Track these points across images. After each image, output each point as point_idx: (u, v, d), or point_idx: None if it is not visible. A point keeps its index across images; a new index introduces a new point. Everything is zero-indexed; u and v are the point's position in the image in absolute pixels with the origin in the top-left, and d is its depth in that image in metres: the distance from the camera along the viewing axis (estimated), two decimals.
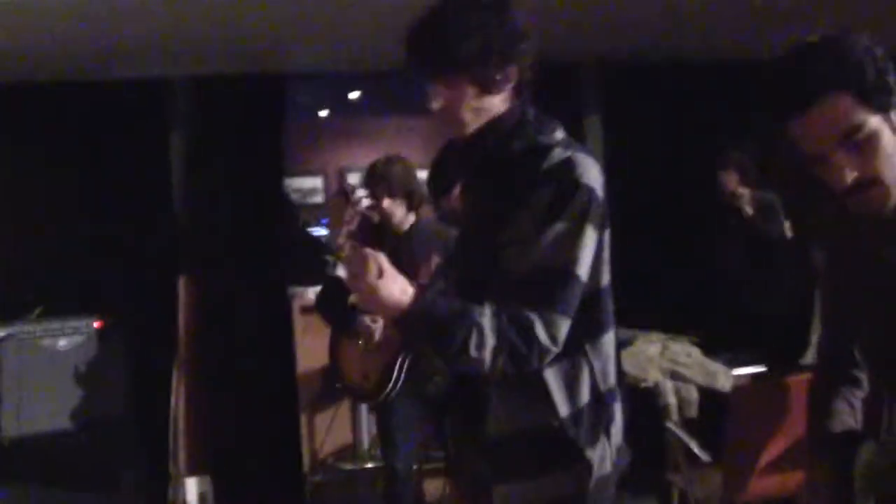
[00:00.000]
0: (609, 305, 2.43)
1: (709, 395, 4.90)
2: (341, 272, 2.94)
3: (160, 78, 6.48)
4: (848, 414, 2.19)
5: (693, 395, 4.88)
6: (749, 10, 5.87)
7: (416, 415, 4.66)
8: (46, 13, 4.81)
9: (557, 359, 2.31)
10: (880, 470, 1.88)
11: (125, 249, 6.31)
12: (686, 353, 5.14)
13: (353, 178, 10.37)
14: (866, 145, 1.86)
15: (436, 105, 2.38)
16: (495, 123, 2.40)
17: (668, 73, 7.19)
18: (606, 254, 2.40)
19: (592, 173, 2.33)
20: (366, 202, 4.02)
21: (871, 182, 1.88)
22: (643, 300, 7.10)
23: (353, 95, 9.19)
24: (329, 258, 3.90)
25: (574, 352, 2.35)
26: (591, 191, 2.30)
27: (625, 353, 5.13)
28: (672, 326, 5.61)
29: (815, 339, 5.01)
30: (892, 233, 1.95)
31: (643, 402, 4.99)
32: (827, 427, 2.18)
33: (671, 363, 5.02)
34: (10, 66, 5.88)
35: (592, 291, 2.36)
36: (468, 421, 2.49)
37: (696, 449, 4.37)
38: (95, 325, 6.01)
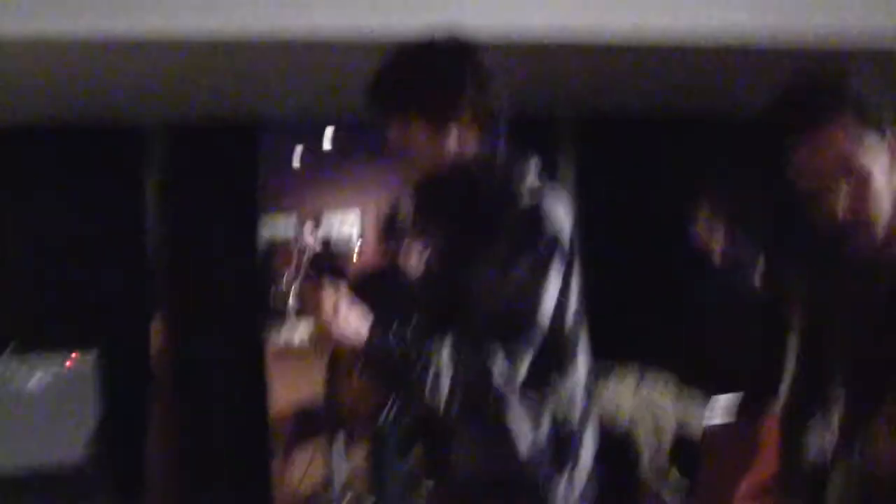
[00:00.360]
0: (574, 347, 2.39)
1: (681, 440, 4.94)
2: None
3: (136, 124, 6.50)
4: (817, 448, 2.20)
5: (666, 437, 4.92)
6: (725, 67, 5.94)
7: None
8: (15, 57, 4.82)
9: (519, 398, 2.31)
10: (854, 492, 1.90)
11: (101, 289, 6.31)
12: (659, 394, 5.18)
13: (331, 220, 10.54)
14: (864, 179, 1.88)
15: (405, 147, 2.37)
16: (466, 165, 2.38)
17: (642, 128, 7.27)
18: (573, 297, 2.36)
19: (562, 212, 2.31)
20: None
21: (862, 223, 1.90)
22: (618, 333, 7.16)
23: (328, 142, 9.27)
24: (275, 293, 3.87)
25: (536, 392, 2.34)
26: (560, 229, 2.28)
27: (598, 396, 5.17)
28: (647, 359, 5.64)
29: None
30: (882, 263, 1.97)
31: (615, 445, 5.02)
32: (798, 461, 2.19)
33: (644, 407, 5.06)
34: None
35: (556, 333, 2.34)
36: (434, 457, 2.50)
37: (668, 493, 4.40)
38: (67, 363, 5.95)
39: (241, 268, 6.66)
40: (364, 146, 8.43)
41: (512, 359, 2.24)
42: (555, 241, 2.27)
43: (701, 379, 6.09)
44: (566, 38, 5.08)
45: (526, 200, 2.30)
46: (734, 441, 4.25)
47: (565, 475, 2.36)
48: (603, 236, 7.27)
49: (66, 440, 5.84)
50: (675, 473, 4.55)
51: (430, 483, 2.59)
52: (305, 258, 3.88)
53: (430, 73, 2.34)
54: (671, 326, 7.27)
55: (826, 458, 2.17)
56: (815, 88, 1.92)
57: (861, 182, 1.88)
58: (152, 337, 6.39)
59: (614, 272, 7.10)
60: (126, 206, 6.52)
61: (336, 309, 2.18)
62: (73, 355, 5.96)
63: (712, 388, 5.68)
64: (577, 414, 2.38)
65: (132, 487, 6.20)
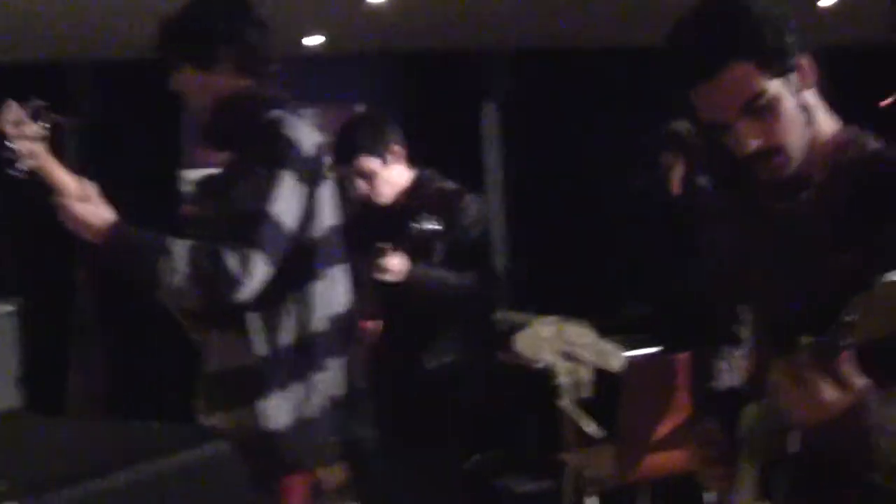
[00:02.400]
0: (323, 258, 2.63)
1: (602, 376, 4.97)
2: None
3: (60, 61, 6.37)
4: (728, 373, 2.22)
5: (586, 375, 4.94)
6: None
7: None
8: None
9: (262, 302, 2.51)
10: (763, 434, 1.91)
11: (23, 235, 6.21)
12: (580, 335, 5.19)
13: None
14: (768, 113, 1.86)
15: (180, 88, 2.71)
16: (222, 101, 2.66)
17: (571, 60, 7.27)
18: (323, 209, 2.62)
19: (300, 131, 2.58)
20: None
21: (774, 150, 1.89)
22: (542, 285, 7.21)
23: None
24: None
25: (279, 296, 2.55)
26: (290, 141, 2.54)
27: (519, 335, 5.18)
28: (570, 310, 5.68)
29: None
30: (788, 188, 1.96)
31: (537, 383, 5.05)
32: (710, 387, 2.20)
33: (565, 344, 5.08)
34: None
35: (303, 242, 2.57)
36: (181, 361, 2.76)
37: (589, 428, 4.43)
38: None
39: (163, 212, 6.58)
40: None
41: (242, 258, 2.42)
42: (290, 144, 2.53)
43: (627, 318, 6.17)
44: None
45: (272, 115, 2.58)
46: (655, 375, 4.28)
47: (302, 379, 2.58)
48: (530, 173, 7.32)
49: None
50: (596, 412, 4.59)
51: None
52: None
53: (198, 26, 2.67)
54: (599, 264, 7.40)
55: (737, 382, 2.20)
56: (705, 31, 1.88)
57: (763, 116, 1.87)
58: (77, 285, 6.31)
59: (541, 213, 7.14)
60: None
61: (86, 196, 2.41)
62: None
63: (638, 327, 5.76)
64: (321, 320, 2.61)
65: None
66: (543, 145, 7.34)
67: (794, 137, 1.89)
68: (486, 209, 3.79)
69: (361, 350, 2.87)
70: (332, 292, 2.67)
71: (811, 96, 1.92)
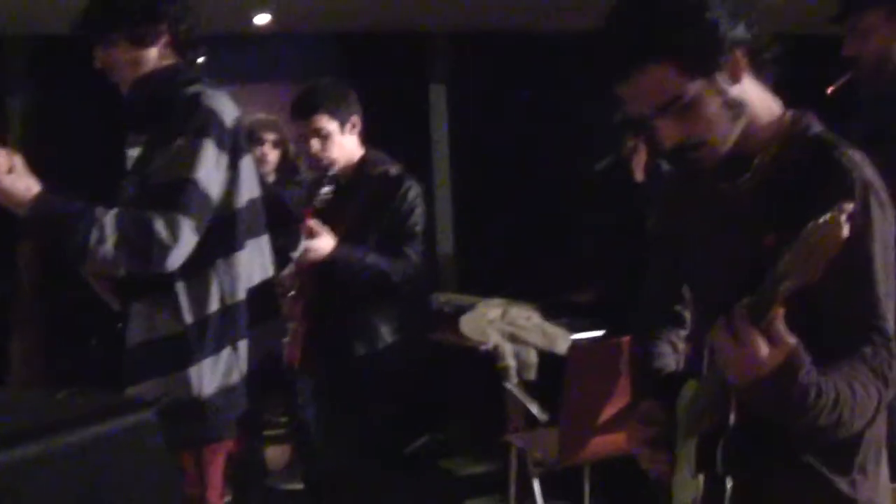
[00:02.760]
0: (246, 228, 2.70)
1: (548, 358, 4.98)
2: None
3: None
4: (670, 355, 2.23)
5: (532, 357, 4.95)
6: None
7: None
8: None
9: (188, 271, 2.57)
10: (700, 408, 1.92)
11: None
12: (525, 317, 5.21)
13: None
14: (688, 112, 1.85)
15: (107, 64, 2.77)
16: (146, 76, 2.74)
17: (514, 44, 7.26)
18: (244, 180, 2.69)
19: (221, 103, 2.65)
20: None
21: (696, 145, 1.89)
22: (488, 268, 7.22)
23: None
24: None
25: (204, 266, 2.61)
26: (212, 112, 2.61)
27: (465, 317, 5.19)
28: (515, 293, 5.69)
29: None
30: (727, 168, 1.97)
31: (482, 365, 5.05)
32: (650, 368, 2.21)
33: (511, 326, 5.09)
34: None
35: (226, 213, 2.64)
36: (112, 332, 2.73)
37: (534, 410, 4.44)
38: None
39: (106, 190, 6.52)
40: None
41: (170, 224, 2.47)
42: (211, 113, 2.60)
43: (572, 300, 6.19)
44: None
45: (193, 90, 2.66)
46: (599, 358, 4.30)
47: (227, 346, 2.65)
48: (476, 155, 7.32)
49: None
50: (542, 395, 4.60)
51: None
52: None
53: (139, 3, 2.73)
54: (544, 247, 7.41)
55: (678, 365, 2.21)
56: (622, 32, 1.86)
57: (683, 115, 1.86)
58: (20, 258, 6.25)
59: (487, 196, 7.15)
60: None
61: (11, 168, 2.43)
62: None
63: (583, 309, 5.77)
64: (243, 289, 2.67)
65: None
66: (490, 127, 7.34)
67: (718, 133, 1.89)
68: (421, 197, 3.78)
69: (282, 322, 3.00)
70: (255, 263, 2.74)
71: (744, 87, 1.90)
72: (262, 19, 6.50)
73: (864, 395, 1.75)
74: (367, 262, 3.59)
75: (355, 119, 3.78)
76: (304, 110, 3.75)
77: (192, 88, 2.67)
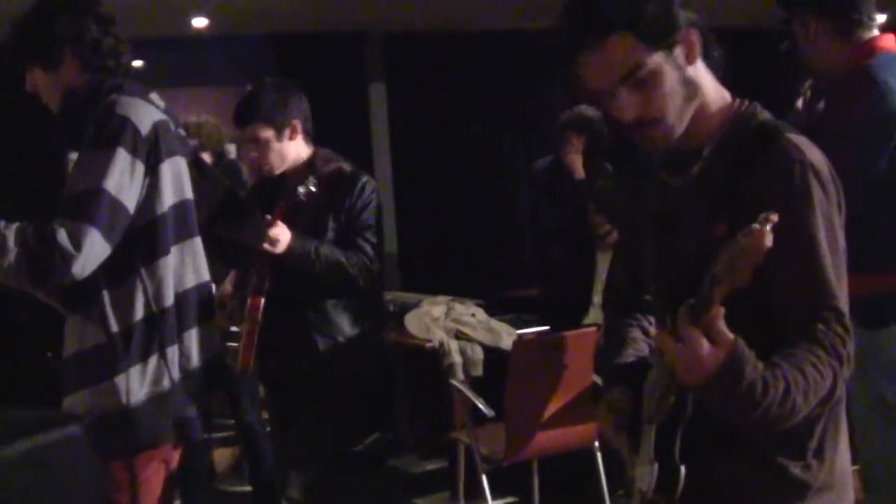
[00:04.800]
0: (171, 233, 2.69)
1: (493, 354, 5.01)
2: None
3: None
4: (642, 341, 2.24)
5: (478, 354, 4.98)
6: None
7: None
8: None
9: (112, 280, 2.59)
10: (656, 397, 1.94)
11: None
12: (470, 314, 5.24)
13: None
14: (647, 84, 1.88)
15: (33, 89, 2.82)
16: (69, 94, 2.76)
17: (453, 42, 7.29)
18: (166, 185, 2.67)
19: (136, 110, 2.64)
20: None
21: (653, 121, 1.91)
22: (431, 266, 7.25)
23: (137, 64, 8.98)
24: None
25: (127, 274, 2.61)
26: (124, 120, 2.60)
27: (410, 315, 5.20)
28: (459, 291, 5.72)
29: (596, 300, 5.20)
30: (674, 159, 2.01)
31: (428, 362, 5.07)
32: (620, 355, 2.22)
33: (455, 323, 5.12)
34: None
35: (148, 219, 2.63)
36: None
37: (480, 406, 4.45)
38: None
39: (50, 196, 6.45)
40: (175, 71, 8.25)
41: (73, 233, 2.46)
42: (124, 122, 2.60)
43: (515, 296, 6.22)
44: None
45: (110, 100, 2.65)
46: (543, 354, 4.34)
47: (155, 352, 2.63)
48: (416, 153, 7.33)
49: None
50: (488, 391, 4.62)
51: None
52: None
53: (40, 28, 2.77)
54: (486, 244, 7.45)
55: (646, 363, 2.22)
56: (588, 3, 1.91)
57: (642, 87, 1.89)
58: None
59: (428, 194, 7.16)
60: None
61: None
62: None
63: (525, 305, 5.81)
64: (170, 294, 2.66)
65: None
66: (430, 127, 7.36)
67: (674, 109, 1.91)
68: (377, 192, 3.79)
69: (218, 323, 2.95)
70: (185, 267, 2.73)
71: (697, 70, 1.95)
72: (199, 22, 6.46)
73: (816, 376, 1.76)
74: (321, 252, 3.59)
75: (295, 122, 3.76)
76: (240, 119, 3.77)
77: (109, 98, 2.67)
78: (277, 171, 3.77)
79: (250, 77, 7.55)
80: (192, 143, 5.04)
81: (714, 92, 1.99)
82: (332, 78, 7.18)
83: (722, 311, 1.69)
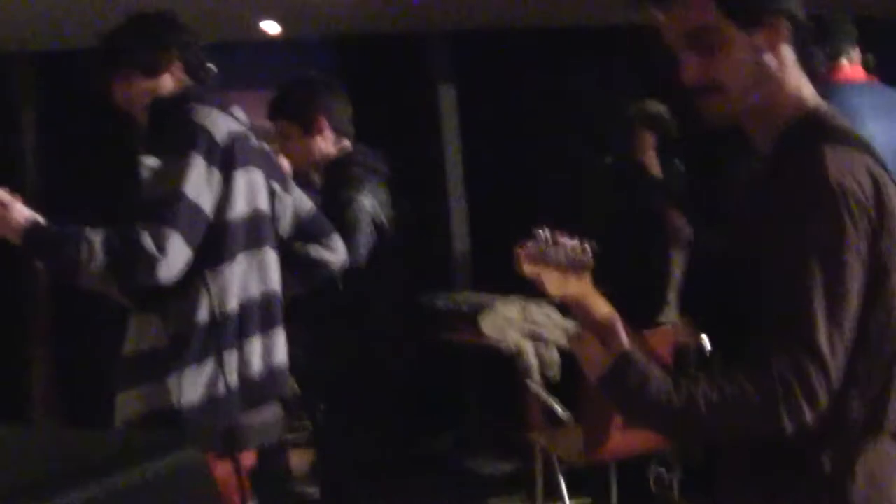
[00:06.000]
0: (238, 242, 2.74)
1: (569, 356, 4.97)
2: None
3: (10, 53, 6.30)
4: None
5: (553, 355, 4.95)
6: None
7: None
8: None
9: (177, 282, 2.60)
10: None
11: None
12: (545, 315, 5.20)
13: None
14: (714, 50, 1.86)
15: (123, 99, 2.92)
16: (157, 101, 2.85)
17: (518, 40, 7.24)
18: (238, 194, 2.74)
19: (212, 120, 2.73)
20: None
21: (713, 87, 1.88)
22: (503, 266, 7.21)
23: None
24: None
25: (191, 277, 2.64)
26: (201, 128, 2.68)
27: (485, 316, 5.18)
28: (532, 290, 5.67)
29: (671, 297, 5.14)
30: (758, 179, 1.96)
31: (504, 364, 5.05)
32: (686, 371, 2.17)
33: (531, 324, 5.09)
34: None
35: (218, 224, 2.69)
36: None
37: (556, 408, 4.43)
38: None
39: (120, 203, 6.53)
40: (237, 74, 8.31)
41: (158, 238, 2.52)
42: (200, 129, 2.68)
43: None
44: None
45: (180, 117, 2.74)
46: None
47: (213, 356, 2.66)
48: (487, 153, 7.30)
49: None
50: (564, 392, 4.60)
51: None
52: None
53: (144, 35, 2.88)
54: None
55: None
56: None
57: (708, 52, 1.87)
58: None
59: (499, 194, 7.13)
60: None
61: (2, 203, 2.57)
62: None
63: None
64: (234, 299, 2.70)
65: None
66: (501, 126, 7.33)
67: (738, 83, 1.88)
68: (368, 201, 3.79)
69: (285, 331, 2.94)
70: (250, 275, 2.76)
71: (780, 61, 1.90)
72: (268, 26, 6.49)
73: (737, 394, 1.71)
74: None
75: (321, 119, 3.81)
76: (269, 114, 3.87)
77: (188, 106, 2.75)
78: (303, 167, 3.81)
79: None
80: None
81: (794, 90, 1.92)
82: (401, 79, 7.18)
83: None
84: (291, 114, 3.80)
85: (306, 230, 3.13)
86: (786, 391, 1.69)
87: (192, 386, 2.64)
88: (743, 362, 1.74)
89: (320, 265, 3.19)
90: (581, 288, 1.88)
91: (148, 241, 2.51)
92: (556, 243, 1.92)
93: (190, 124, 2.70)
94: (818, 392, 1.70)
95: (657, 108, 5.48)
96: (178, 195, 2.58)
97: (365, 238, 3.70)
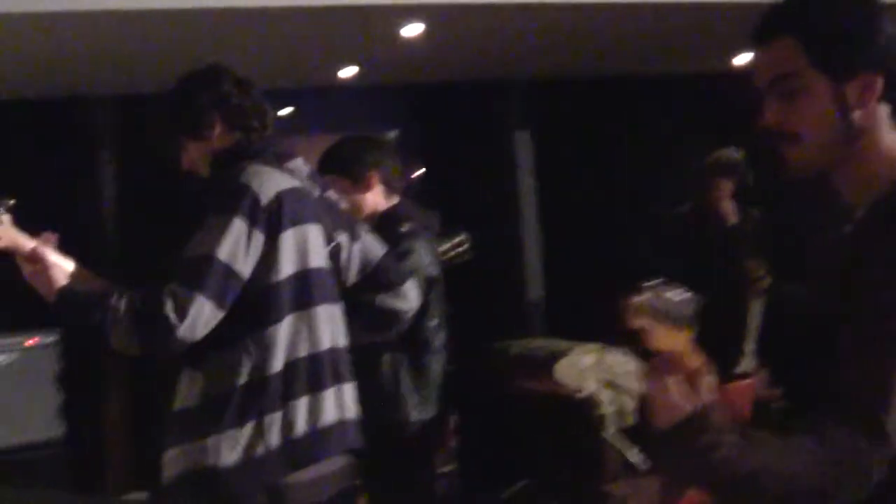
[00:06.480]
0: (283, 301, 2.69)
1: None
2: None
3: (87, 95, 6.41)
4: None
5: (629, 404, 4.90)
6: (671, 29, 5.91)
7: None
8: None
9: (219, 343, 2.61)
10: None
11: None
12: (622, 363, 5.16)
13: None
14: (796, 98, 1.81)
15: (188, 162, 2.95)
16: (215, 158, 2.87)
17: (593, 88, 7.25)
18: (290, 253, 2.70)
19: (258, 179, 2.71)
20: None
21: (790, 136, 1.82)
22: (578, 313, 7.17)
23: (285, 112, 9.15)
24: None
25: (235, 339, 2.63)
26: (245, 188, 2.67)
27: (560, 363, 5.14)
28: (607, 337, 5.63)
29: (748, 348, 5.08)
30: (835, 216, 1.92)
31: (580, 413, 5.00)
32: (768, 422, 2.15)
33: (607, 372, 5.05)
34: None
35: (260, 287, 2.66)
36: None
37: (633, 457, 4.38)
38: (28, 342, 5.86)
39: None
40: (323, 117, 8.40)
41: (180, 300, 2.52)
42: (245, 190, 2.66)
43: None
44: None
45: (226, 176, 2.76)
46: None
47: (252, 419, 2.62)
48: (563, 199, 7.28)
49: (34, 417, 5.76)
50: (640, 442, 4.55)
51: None
52: None
53: (184, 102, 2.91)
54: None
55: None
56: (782, 3, 1.86)
57: (791, 99, 1.81)
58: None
59: (574, 239, 7.10)
60: (83, 182, 6.45)
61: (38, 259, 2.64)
62: (34, 339, 5.87)
63: None
64: (278, 361, 2.66)
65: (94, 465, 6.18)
66: (576, 173, 7.32)
67: (817, 135, 1.81)
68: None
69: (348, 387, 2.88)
70: (297, 336, 2.72)
71: (872, 118, 1.81)
72: (346, 72, 6.56)
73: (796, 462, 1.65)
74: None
75: (372, 175, 3.81)
76: (319, 169, 3.85)
77: (238, 165, 2.77)
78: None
79: (395, 124, 7.66)
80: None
81: (890, 150, 1.84)
82: (476, 126, 7.21)
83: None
84: (342, 169, 3.80)
85: (376, 278, 3.08)
86: (844, 467, 1.64)
87: (230, 448, 2.61)
88: (810, 425, 1.69)
89: (389, 314, 3.14)
90: (683, 341, 1.82)
91: (168, 306, 2.52)
92: (663, 295, 1.85)
93: (235, 185, 2.70)
94: (872, 471, 1.64)
95: (734, 155, 5.44)
96: (209, 259, 2.58)
97: (419, 288, 3.73)
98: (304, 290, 2.75)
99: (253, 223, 2.64)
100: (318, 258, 2.81)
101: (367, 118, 7.21)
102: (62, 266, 2.66)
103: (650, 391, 1.70)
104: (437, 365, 3.82)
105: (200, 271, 2.57)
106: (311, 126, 8.61)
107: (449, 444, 3.82)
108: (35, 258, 2.64)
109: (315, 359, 2.75)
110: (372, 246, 3.11)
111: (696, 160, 5.82)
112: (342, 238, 2.96)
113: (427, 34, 5.64)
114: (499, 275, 7.13)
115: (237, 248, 2.61)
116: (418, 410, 3.72)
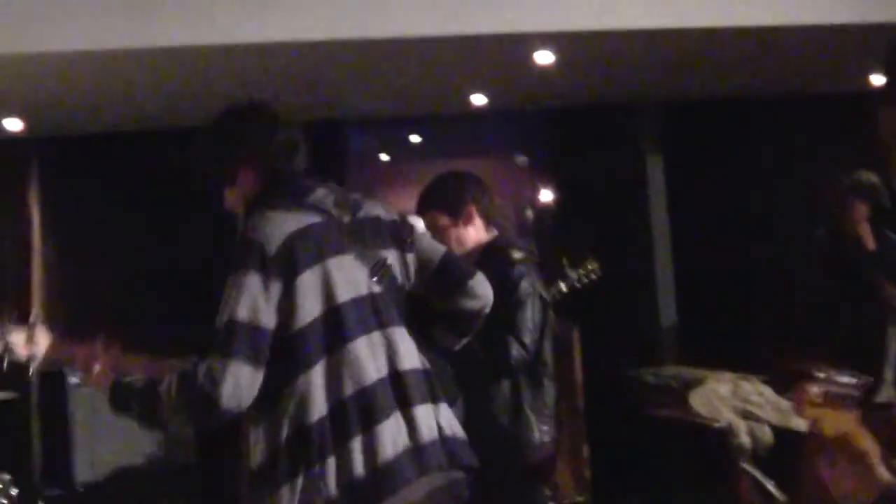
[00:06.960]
0: (311, 346, 2.64)
1: (782, 434, 4.83)
2: None
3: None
4: None
5: (767, 434, 4.81)
6: (804, 50, 5.83)
7: None
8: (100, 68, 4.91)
9: (259, 403, 2.58)
10: None
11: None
12: (758, 392, 5.07)
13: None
14: None
15: (229, 207, 2.97)
16: (246, 204, 2.88)
17: (725, 110, 7.16)
18: (305, 298, 2.64)
19: (267, 227, 2.69)
20: None
21: None
22: (711, 340, 7.07)
23: (413, 139, 9.23)
24: None
25: (268, 394, 2.59)
26: (250, 242, 2.65)
27: (696, 393, 5.07)
28: (740, 366, 5.54)
29: (889, 375, 4.95)
30: None
31: (716, 443, 4.92)
32: None
33: (743, 402, 4.96)
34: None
35: (285, 337, 2.62)
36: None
37: (771, 488, 4.29)
38: None
39: None
40: (450, 144, 8.45)
41: (212, 371, 2.52)
42: (249, 243, 2.65)
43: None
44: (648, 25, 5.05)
45: (241, 231, 2.76)
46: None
47: (302, 466, 2.56)
48: (695, 224, 7.20)
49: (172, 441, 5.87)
50: (778, 472, 4.45)
51: None
52: None
53: (213, 152, 2.96)
54: (769, 317, 7.20)
55: None
56: None
57: None
58: None
59: (708, 266, 7.01)
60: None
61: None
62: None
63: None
64: (319, 404, 2.60)
65: None
66: (709, 197, 7.23)
67: None
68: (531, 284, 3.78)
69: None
70: (335, 377, 2.64)
71: None
72: (477, 99, 6.59)
73: None
74: None
75: (471, 210, 3.87)
76: (418, 207, 3.92)
77: (252, 216, 2.77)
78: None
79: (525, 149, 7.66)
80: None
81: None
82: (607, 150, 7.18)
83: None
84: (441, 205, 3.86)
85: (442, 281, 3.00)
86: None
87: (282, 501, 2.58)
88: None
89: (464, 316, 3.07)
90: (852, 423, 1.80)
91: (201, 377, 2.52)
92: (836, 381, 1.84)
93: (243, 240, 2.70)
94: None
95: (871, 178, 5.32)
96: (232, 323, 2.57)
97: (534, 313, 3.73)
98: (336, 328, 2.68)
99: (266, 274, 2.61)
100: (349, 290, 2.72)
101: (499, 144, 7.25)
102: (115, 360, 2.78)
103: (823, 472, 1.69)
104: (552, 388, 3.83)
105: (227, 338, 2.56)
106: (444, 152, 8.70)
107: (583, 474, 3.81)
108: (87, 359, 2.77)
109: (364, 394, 2.65)
110: (429, 248, 3.05)
111: (830, 183, 5.71)
112: (390, 254, 2.88)
113: (559, 60, 5.65)
114: (631, 300, 7.07)
115: (256, 302, 2.59)
116: (540, 432, 3.73)
